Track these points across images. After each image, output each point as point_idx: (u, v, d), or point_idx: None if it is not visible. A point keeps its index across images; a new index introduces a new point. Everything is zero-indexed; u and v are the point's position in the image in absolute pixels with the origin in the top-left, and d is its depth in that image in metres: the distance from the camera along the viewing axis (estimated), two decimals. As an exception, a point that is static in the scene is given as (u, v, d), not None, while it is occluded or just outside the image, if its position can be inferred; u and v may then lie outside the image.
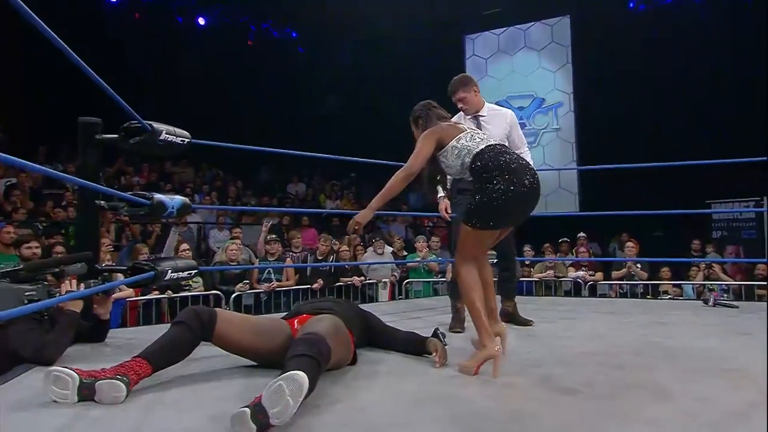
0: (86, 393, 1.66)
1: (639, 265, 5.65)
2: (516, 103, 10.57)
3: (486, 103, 3.23)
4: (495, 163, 2.08)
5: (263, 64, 11.87)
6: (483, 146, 2.17)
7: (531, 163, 3.19)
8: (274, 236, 5.72)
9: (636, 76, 9.55)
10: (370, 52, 11.84)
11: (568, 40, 10.25)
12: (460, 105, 3.13)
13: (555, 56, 10.36)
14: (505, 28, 10.75)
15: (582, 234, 6.85)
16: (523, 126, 11.07)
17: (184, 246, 5.02)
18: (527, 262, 6.42)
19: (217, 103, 10.68)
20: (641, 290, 5.51)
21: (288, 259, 5.72)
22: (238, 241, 5.73)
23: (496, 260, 3.49)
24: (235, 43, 11.76)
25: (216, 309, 2.02)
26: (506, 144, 3.10)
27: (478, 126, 3.15)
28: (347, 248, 6.30)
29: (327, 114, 12.07)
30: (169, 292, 4.58)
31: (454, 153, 2.20)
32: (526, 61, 10.58)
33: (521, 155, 3.19)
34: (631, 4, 10.18)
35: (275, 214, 8.08)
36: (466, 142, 2.20)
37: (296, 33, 12.74)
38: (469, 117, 3.18)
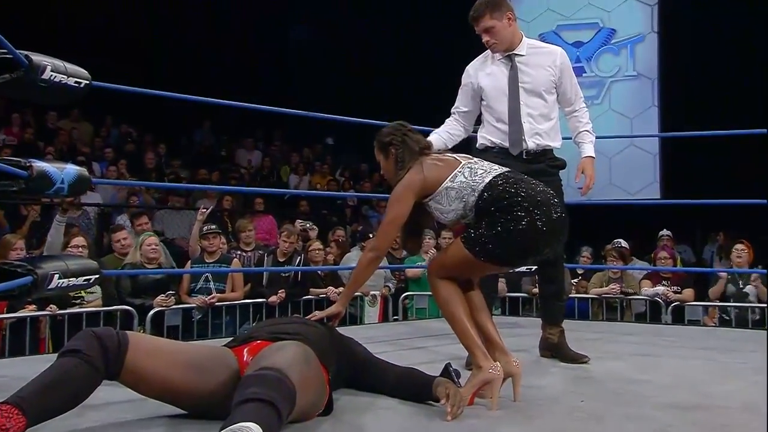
0: None
1: (758, 280, 5.57)
2: (570, 36, 10.56)
3: (525, 38, 3.26)
4: (511, 194, 2.36)
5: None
6: (490, 178, 2.42)
7: (590, 126, 3.29)
8: (213, 227, 5.70)
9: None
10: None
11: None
12: (485, 38, 3.17)
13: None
14: None
15: (665, 232, 6.90)
16: (580, 72, 11.24)
17: (79, 240, 4.98)
18: (581, 271, 6.45)
19: (131, 28, 10.54)
20: (757, 317, 5.45)
21: (235, 260, 5.70)
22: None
23: (535, 267, 3.50)
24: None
25: (127, 332, 2.02)
26: (548, 101, 3.16)
27: (513, 69, 3.19)
28: (320, 247, 6.30)
29: (293, 51, 11.98)
30: (53, 307, 4.53)
31: (450, 195, 2.45)
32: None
33: (575, 116, 3.29)
34: None
35: (215, 195, 8.05)
36: (465, 178, 2.44)
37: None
38: (499, 57, 3.22)
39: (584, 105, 3.34)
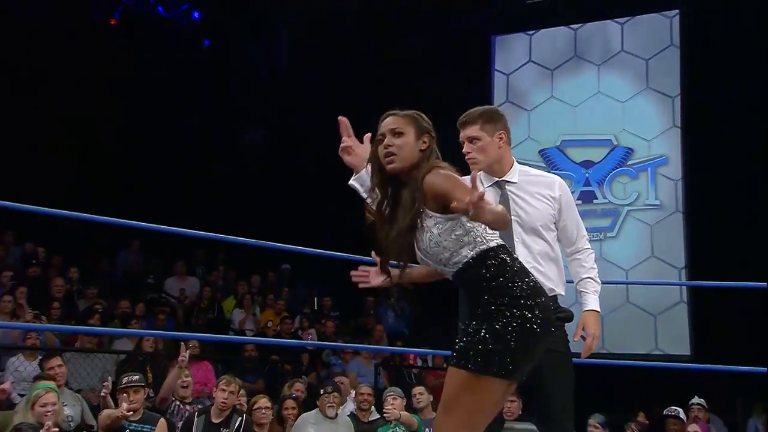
0: None
1: None
2: (577, 153, 10.88)
3: (516, 163, 3.34)
4: (519, 273, 2.51)
5: (136, 64, 12.03)
6: (494, 244, 2.52)
7: (594, 272, 3.31)
8: (136, 377, 5.59)
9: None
10: (317, 52, 12.19)
11: (674, 45, 10.67)
12: (466, 149, 3.24)
13: (656, 76, 10.73)
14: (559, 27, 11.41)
15: (697, 401, 6.90)
16: (590, 197, 11.01)
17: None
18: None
19: (42, 132, 10.63)
20: None
21: (161, 420, 5.54)
22: (55, 385, 5.38)
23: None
24: (85, 22, 11.94)
25: None
26: (549, 239, 3.24)
27: (503, 198, 3.22)
28: (268, 405, 6.15)
29: (246, 158, 12.19)
30: None
31: (455, 232, 2.49)
32: (601, 80, 11.01)
33: (578, 259, 3.34)
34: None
35: (136, 338, 7.92)
36: (479, 226, 2.48)
37: (199, 12, 13.17)
38: (487, 184, 3.23)
39: (588, 245, 3.39)
